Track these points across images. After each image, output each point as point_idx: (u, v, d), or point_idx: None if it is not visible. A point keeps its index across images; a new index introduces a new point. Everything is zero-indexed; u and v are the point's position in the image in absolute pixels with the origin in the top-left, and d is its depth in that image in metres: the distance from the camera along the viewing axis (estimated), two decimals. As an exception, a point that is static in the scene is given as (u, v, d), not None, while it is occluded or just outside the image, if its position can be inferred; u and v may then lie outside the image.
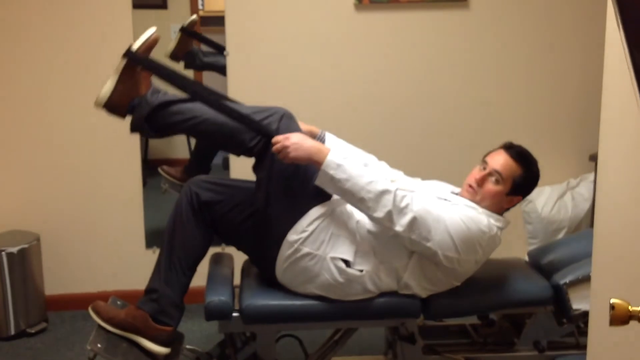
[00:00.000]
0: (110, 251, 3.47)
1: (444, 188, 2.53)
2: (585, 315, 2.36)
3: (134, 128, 2.40)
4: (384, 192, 2.16)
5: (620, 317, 1.13)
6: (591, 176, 3.40)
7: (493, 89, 3.50)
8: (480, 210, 2.33)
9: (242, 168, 3.41)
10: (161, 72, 2.40)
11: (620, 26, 0.76)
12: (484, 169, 2.41)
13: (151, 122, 2.36)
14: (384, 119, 3.46)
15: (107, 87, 2.35)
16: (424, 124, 3.49)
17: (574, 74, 3.51)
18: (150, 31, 2.39)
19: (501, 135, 3.52)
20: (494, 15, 3.43)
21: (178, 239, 2.38)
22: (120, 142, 3.39)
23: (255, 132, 2.30)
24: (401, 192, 2.18)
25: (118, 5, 3.29)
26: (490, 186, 2.38)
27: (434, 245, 2.21)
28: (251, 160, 3.34)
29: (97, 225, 3.45)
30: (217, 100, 2.35)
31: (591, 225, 3.30)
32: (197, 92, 2.37)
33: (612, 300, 1.13)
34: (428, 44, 3.44)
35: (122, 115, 2.41)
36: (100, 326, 2.35)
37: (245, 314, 2.30)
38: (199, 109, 2.35)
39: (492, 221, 2.32)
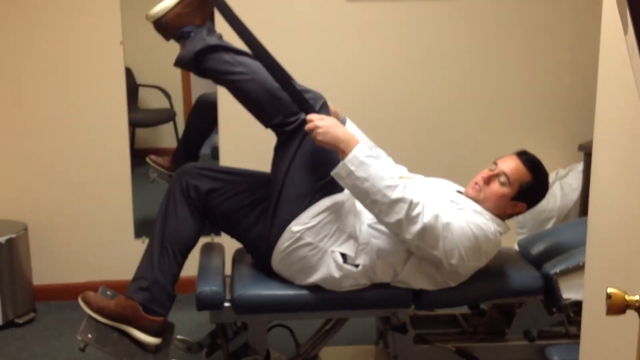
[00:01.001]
0: (99, 241, 3.45)
1: (448, 187, 2.49)
2: (575, 304, 2.38)
3: (180, 61, 2.33)
4: (399, 200, 2.10)
5: (616, 307, 1.13)
6: (580, 166, 3.42)
7: (483, 79, 3.50)
8: (487, 216, 2.29)
9: (231, 157, 3.40)
10: (224, 10, 2.30)
11: (631, 23, 0.75)
12: (493, 169, 2.39)
13: (199, 61, 2.30)
14: (376, 110, 3.46)
15: (165, 4, 2.28)
16: (414, 114, 3.49)
17: (563, 64, 3.52)
18: None
19: (489, 125, 3.55)
20: (485, 6, 3.43)
21: (170, 226, 2.36)
22: (109, 131, 3.37)
23: (298, 107, 2.26)
24: (416, 200, 2.11)
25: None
26: (496, 187, 2.35)
27: (440, 253, 2.18)
28: (241, 151, 3.35)
29: (86, 214, 3.42)
30: (274, 64, 2.28)
31: (580, 215, 3.33)
32: (257, 48, 2.29)
33: (609, 290, 1.13)
34: (419, 34, 3.43)
35: (168, 37, 2.35)
36: (90, 316, 2.33)
37: (236, 304, 2.29)
38: (251, 65, 2.29)
39: (496, 226, 2.30)
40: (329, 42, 3.40)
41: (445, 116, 3.51)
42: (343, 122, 2.49)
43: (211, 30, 2.35)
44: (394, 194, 2.10)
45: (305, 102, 2.27)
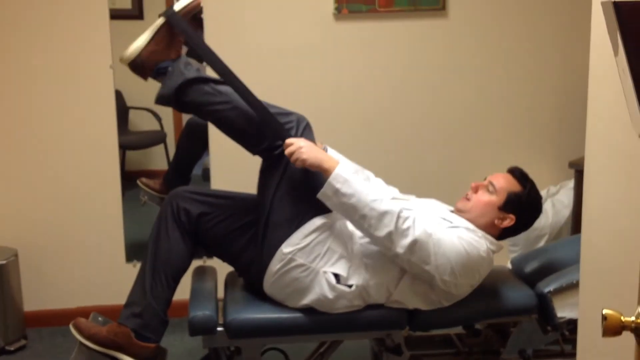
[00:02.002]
0: (90, 265, 3.42)
1: (440, 207, 2.47)
2: (569, 322, 2.37)
3: (161, 99, 2.32)
4: (387, 212, 2.10)
5: (612, 328, 1.13)
6: (571, 183, 3.42)
7: (472, 97, 3.51)
8: (480, 234, 2.28)
9: (222, 179, 3.39)
10: (194, 42, 2.30)
11: (620, 37, 0.76)
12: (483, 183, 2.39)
13: (179, 96, 2.28)
14: (363, 128, 3.46)
15: (137, 44, 2.27)
16: (402, 132, 3.49)
17: (553, 81, 3.53)
18: None
19: (480, 142, 3.55)
20: (472, 24, 3.44)
21: (162, 251, 2.34)
22: (99, 154, 3.35)
23: (275, 134, 2.26)
24: (405, 213, 2.12)
25: (95, 16, 3.25)
26: (484, 195, 2.35)
27: (432, 269, 2.17)
28: (233, 172, 3.34)
29: (76, 239, 3.39)
30: (246, 90, 2.27)
31: (572, 232, 3.33)
32: (227, 74, 2.28)
33: (605, 311, 1.13)
34: (407, 53, 3.44)
35: (145, 76, 2.34)
36: (81, 343, 2.30)
37: (229, 328, 2.27)
38: (232, 94, 2.28)
39: (488, 244, 2.29)
40: (317, 62, 3.40)
41: (436, 135, 3.51)
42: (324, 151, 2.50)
43: (188, 63, 2.34)
44: (382, 206, 2.11)
45: (281, 127, 2.27)
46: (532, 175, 2.46)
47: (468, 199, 2.38)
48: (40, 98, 3.28)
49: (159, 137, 3.91)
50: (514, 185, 2.37)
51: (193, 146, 3.66)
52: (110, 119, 3.35)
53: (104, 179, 3.38)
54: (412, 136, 3.50)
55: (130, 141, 3.88)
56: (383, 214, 2.10)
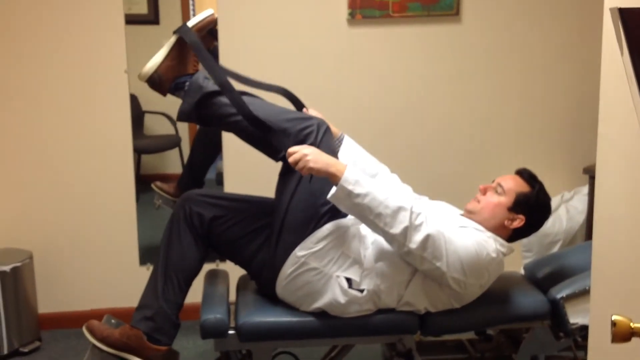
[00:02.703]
0: (104, 268, 3.44)
1: (450, 210, 2.48)
2: (582, 329, 2.36)
3: (182, 115, 2.33)
4: (401, 208, 2.11)
5: (621, 334, 1.12)
6: (585, 189, 3.41)
7: (486, 102, 3.51)
8: (489, 234, 2.29)
9: (236, 183, 3.41)
10: (204, 60, 2.30)
11: (625, 43, 0.76)
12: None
13: (200, 110, 2.30)
14: (378, 134, 3.46)
15: (154, 61, 2.30)
16: (417, 138, 3.49)
17: (567, 87, 3.52)
18: (208, 12, 2.33)
19: (494, 148, 3.55)
20: (486, 29, 3.44)
21: (174, 254, 2.35)
22: (114, 157, 3.38)
23: (278, 145, 2.29)
24: (416, 208, 2.13)
25: (111, 21, 3.28)
26: (492, 196, 2.36)
27: (444, 265, 2.17)
28: (246, 176, 3.36)
29: (91, 242, 3.42)
30: (255, 101, 2.30)
31: (586, 238, 3.31)
32: (232, 93, 2.29)
33: (614, 317, 1.12)
34: (421, 58, 3.45)
35: (164, 92, 2.36)
36: (94, 345, 2.33)
37: (241, 331, 2.27)
38: (252, 103, 2.30)
39: (498, 246, 2.28)
40: (331, 67, 3.41)
41: (449, 141, 3.51)
42: (341, 140, 2.52)
43: (206, 77, 2.35)
44: (395, 202, 2.11)
45: (285, 138, 2.28)
46: (546, 181, 2.45)
47: (478, 201, 2.38)
48: (56, 102, 3.31)
49: (173, 141, 3.93)
50: (522, 186, 2.37)
51: (207, 150, 3.68)
52: (125, 123, 3.38)
53: (119, 183, 3.40)
54: (425, 141, 3.50)
55: (146, 145, 3.91)
56: (397, 211, 2.11)
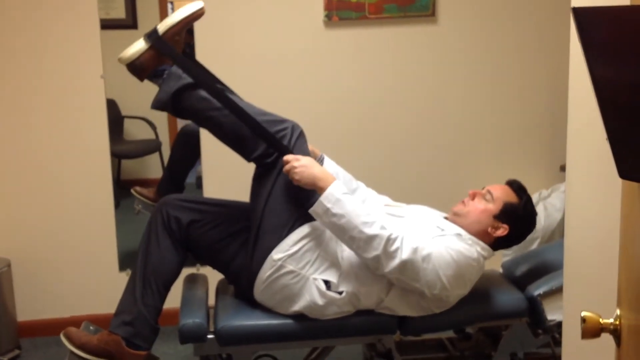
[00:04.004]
0: (83, 275, 3.42)
1: (431, 214, 2.47)
2: (560, 325, 2.37)
3: (158, 104, 2.32)
4: (376, 237, 2.10)
5: (591, 330, 1.14)
6: (562, 186, 3.43)
7: (462, 101, 3.52)
8: (470, 241, 2.29)
9: (215, 187, 3.40)
10: (178, 61, 2.29)
11: (580, 43, 0.77)
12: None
13: (176, 101, 2.29)
14: (354, 134, 3.47)
15: (138, 47, 2.27)
16: (394, 138, 3.50)
17: (544, 85, 3.54)
18: (198, 5, 2.31)
19: (471, 147, 3.56)
20: (462, 29, 3.46)
21: (152, 258, 2.35)
22: (91, 163, 3.36)
23: (269, 146, 2.28)
24: (394, 235, 2.11)
25: (86, 27, 3.26)
26: (480, 202, 2.37)
27: (422, 286, 2.18)
28: (225, 180, 3.35)
29: (69, 248, 3.40)
30: (237, 107, 2.28)
31: (563, 235, 3.33)
32: (217, 91, 2.29)
33: (583, 314, 1.14)
34: (397, 59, 3.46)
35: (142, 78, 2.34)
36: (72, 352, 2.31)
37: (220, 335, 2.27)
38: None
39: (479, 249, 2.30)
40: (308, 69, 3.41)
41: (426, 140, 3.52)
42: (321, 160, 2.49)
43: None
44: (371, 230, 2.10)
45: (275, 141, 2.28)
46: (524, 178, 2.47)
47: (464, 204, 2.39)
48: (31, 108, 3.29)
49: (154, 146, 3.92)
50: (510, 196, 2.38)
51: (186, 154, 3.67)
52: (102, 129, 3.36)
53: (97, 188, 3.38)
54: (403, 141, 3.51)
55: (126, 150, 3.90)
56: (372, 238, 2.10)
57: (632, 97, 0.76)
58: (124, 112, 3.79)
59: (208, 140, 3.41)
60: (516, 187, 2.42)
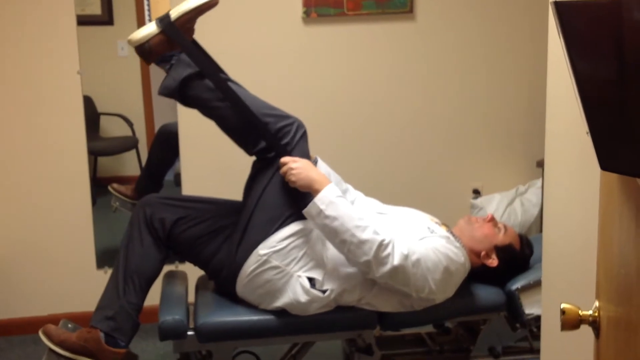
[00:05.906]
0: (60, 273, 3.40)
1: (420, 216, 2.47)
2: (537, 319, 2.40)
3: (165, 90, 2.30)
4: (367, 241, 2.09)
5: (570, 322, 1.15)
6: (539, 182, 3.47)
7: (440, 98, 3.54)
8: (458, 244, 2.31)
9: (193, 185, 3.39)
10: (187, 49, 2.28)
11: (562, 37, 0.78)
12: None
13: (183, 88, 2.28)
14: (332, 132, 3.47)
15: (148, 30, 2.25)
16: (372, 134, 3.51)
17: (520, 81, 3.57)
18: None
19: (448, 144, 3.58)
20: (440, 26, 3.48)
21: (134, 256, 2.34)
22: (68, 160, 3.33)
23: (269, 144, 2.28)
24: (386, 240, 2.11)
25: (62, 23, 3.23)
26: (491, 227, 2.43)
27: (411, 289, 2.19)
28: (203, 178, 3.34)
29: (46, 246, 3.37)
30: (240, 101, 2.28)
31: (540, 230, 3.37)
32: (225, 87, 2.29)
33: (563, 305, 1.15)
34: (375, 56, 3.47)
35: (149, 61, 2.31)
36: (51, 350, 2.29)
37: (200, 332, 2.26)
38: (236, 92, 2.30)
39: (465, 255, 2.33)
40: (286, 66, 3.41)
41: (403, 136, 3.54)
42: (315, 162, 2.47)
43: None
44: (363, 235, 2.10)
45: (275, 140, 2.28)
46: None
47: (477, 220, 2.46)
48: (6, 105, 3.25)
49: (130, 143, 3.89)
50: (517, 242, 2.47)
51: (165, 153, 3.65)
52: (79, 126, 3.33)
53: (73, 186, 3.36)
54: (380, 137, 3.52)
55: (102, 147, 3.87)
56: (363, 242, 2.10)
57: (614, 90, 0.77)
58: (100, 109, 3.76)
59: (187, 139, 3.41)
60: (525, 240, 2.51)
